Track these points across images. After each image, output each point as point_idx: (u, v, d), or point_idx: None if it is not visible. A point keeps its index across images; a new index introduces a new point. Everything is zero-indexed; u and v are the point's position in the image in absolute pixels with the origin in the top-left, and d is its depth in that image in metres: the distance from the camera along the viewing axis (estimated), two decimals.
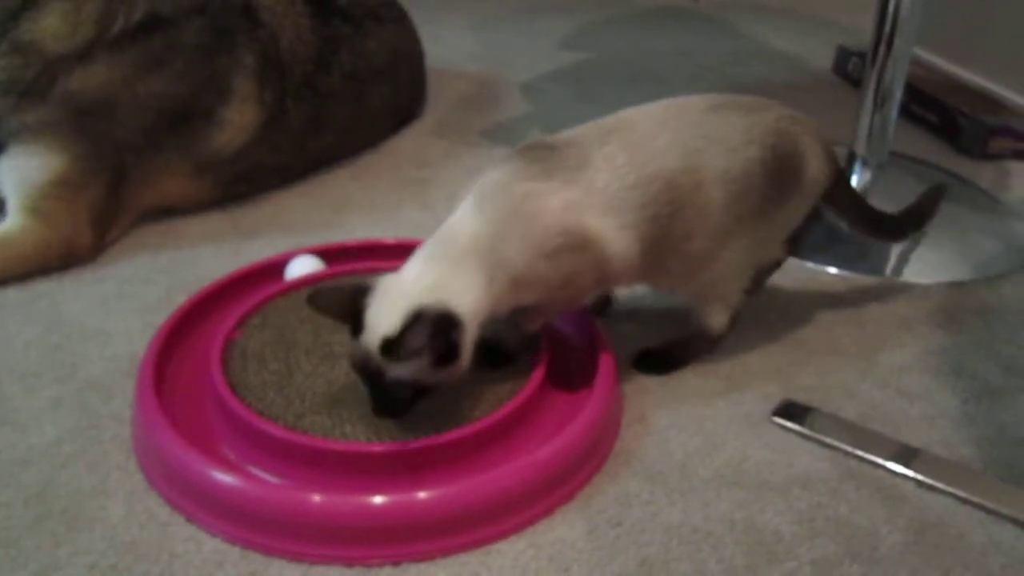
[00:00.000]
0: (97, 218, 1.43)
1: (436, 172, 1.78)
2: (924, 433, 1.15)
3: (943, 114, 1.89)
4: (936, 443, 1.13)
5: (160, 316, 1.26)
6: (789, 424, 1.15)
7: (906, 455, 1.10)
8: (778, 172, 1.15)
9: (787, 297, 1.42)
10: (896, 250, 1.57)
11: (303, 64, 1.60)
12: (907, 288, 1.47)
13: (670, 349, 1.26)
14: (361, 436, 1.04)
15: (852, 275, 1.50)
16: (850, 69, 2.09)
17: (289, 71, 1.58)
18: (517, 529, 1.00)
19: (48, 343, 1.27)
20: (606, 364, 1.15)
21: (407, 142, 1.89)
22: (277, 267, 1.35)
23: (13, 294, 1.37)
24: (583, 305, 1.22)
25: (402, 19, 1.86)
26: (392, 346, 0.96)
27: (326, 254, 1.37)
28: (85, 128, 1.38)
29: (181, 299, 1.27)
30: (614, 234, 1.08)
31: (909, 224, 1.38)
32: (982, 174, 1.87)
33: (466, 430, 1.04)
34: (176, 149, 1.49)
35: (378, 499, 0.96)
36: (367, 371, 1.00)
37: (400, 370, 0.99)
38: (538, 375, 1.13)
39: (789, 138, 1.17)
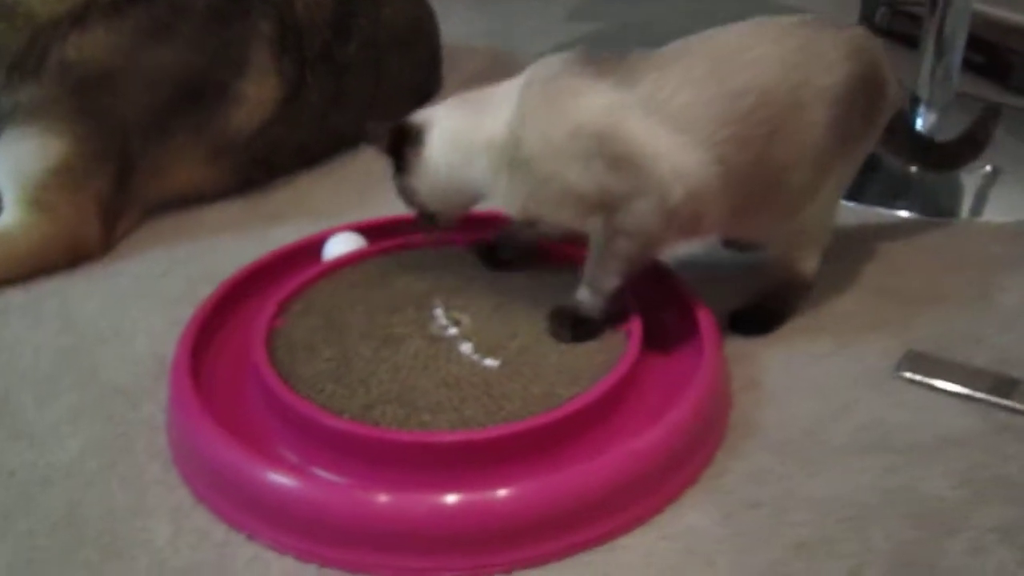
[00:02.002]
0: (105, 209, 1.22)
1: None
2: None
3: (992, 54, 1.74)
4: None
5: (185, 311, 1.06)
6: (919, 378, 0.97)
7: None
8: (871, 91, 0.99)
9: (867, 244, 1.24)
10: (970, 190, 1.40)
11: (321, 31, 1.39)
12: (992, 228, 1.30)
13: (763, 305, 1.08)
14: (444, 424, 0.85)
15: (927, 218, 1.32)
16: (877, 20, 1.94)
17: (307, 39, 1.37)
18: (640, 520, 0.81)
19: (61, 347, 1.07)
20: (708, 324, 0.97)
21: None
22: (313, 248, 1.16)
23: (16, 296, 1.16)
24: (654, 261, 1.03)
25: None
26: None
27: (366, 231, 1.17)
28: (86, 106, 1.18)
29: (206, 291, 1.07)
30: (681, 153, 0.90)
31: (967, 151, 1.22)
32: None
33: (571, 407, 0.86)
34: (189, 130, 1.28)
35: (499, 492, 0.78)
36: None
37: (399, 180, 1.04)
38: (634, 343, 0.94)
39: (875, 55, 1.00)
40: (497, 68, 1.92)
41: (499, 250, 1.09)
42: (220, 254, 1.24)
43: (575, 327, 0.96)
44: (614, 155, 0.90)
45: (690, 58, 0.94)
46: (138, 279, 1.20)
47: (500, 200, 1.00)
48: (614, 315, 0.98)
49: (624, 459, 0.81)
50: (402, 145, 1.02)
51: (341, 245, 1.14)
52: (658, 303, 1.03)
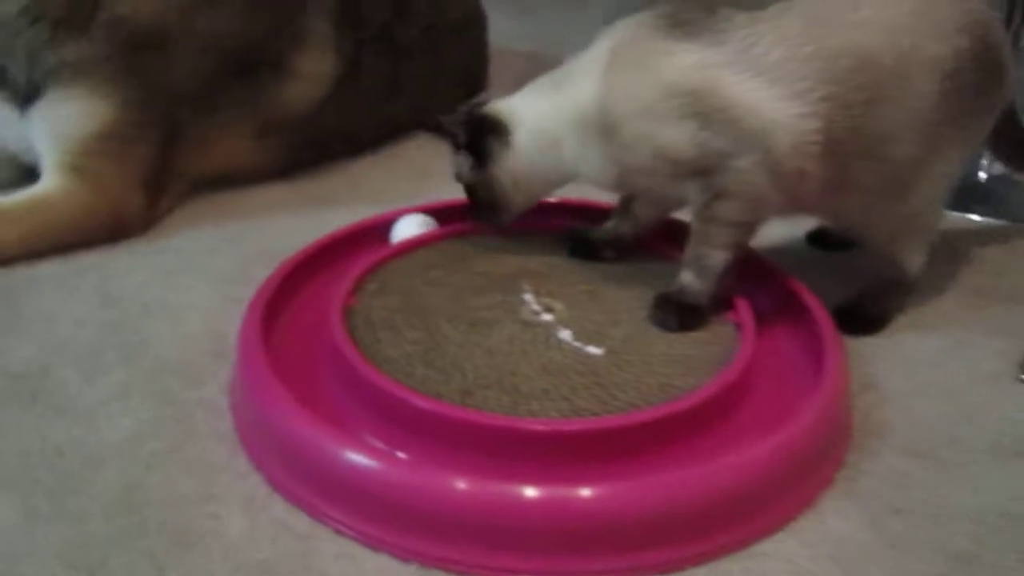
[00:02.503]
0: (149, 180, 1.12)
1: None
2: None
3: None
4: None
5: (240, 289, 0.97)
6: None
7: None
8: (986, 71, 0.91)
9: (953, 247, 1.15)
10: None
11: (381, 10, 1.30)
12: None
13: (867, 303, 0.99)
14: (554, 414, 0.75)
15: (1000, 222, 1.25)
16: None
17: (367, 16, 1.28)
18: (777, 525, 0.72)
19: (104, 321, 0.96)
20: (823, 316, 0.88)
21: None
22: (379, 229, 1.06)
23: (49, 268, 1.05)
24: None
25: None
26: (456, 143, 0.99)
27: (437, 213, 1.08)
28: (135, 68, 1.07)
29: (259, 271, 0.96)
30: (780, 103, 0.83)
31: None
32: None
33: (695, 398, 0.76)
34: (239, 104, 1.19)
35: (629, 487, 0.69)
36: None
37: (456, 164, 1.00)
38: (749, 333, 0.85)
39: (993, 33, 0.92)
40: (540, 70, 1.84)
41: (594, 241, 1.01)
42: (272, 234, 1.14)
43: (682, 315, 0.88)
44: (710, 111, 0.83)
45: (787, 17, 0.87)
46: (185, 255, 1.09)
47: (591, 173, 0.93)
48: (720, 304, 0.90)
49: (763, 456, 0.71)
50: (484, 137, 0.96)
51: (411, 226, 1.05)
52: (758, 295, 0.94)
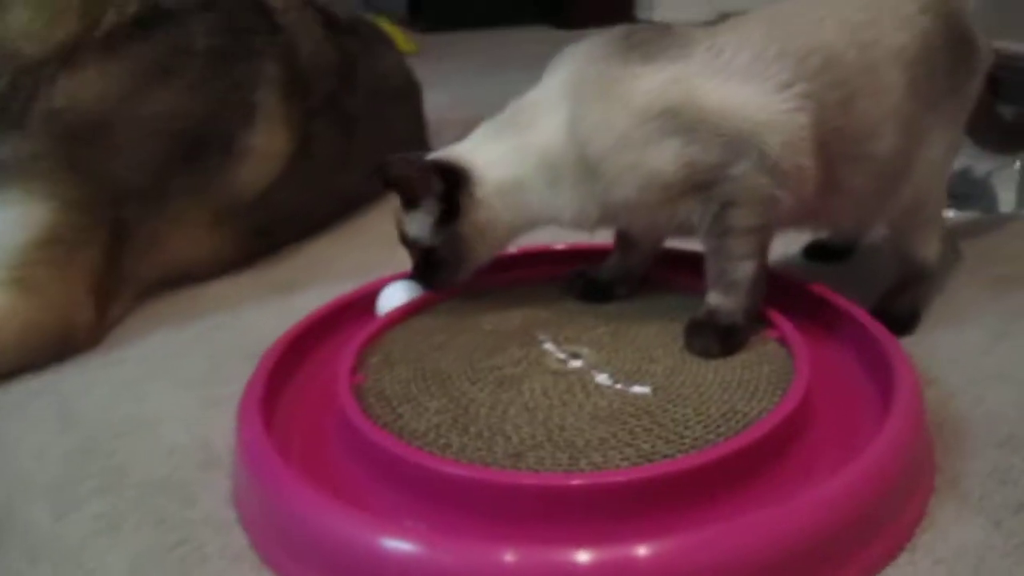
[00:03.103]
0: (98, 288, 0.98)
1: None
2: None
3: None
4: None
5: (217, 389, 0.86)
6: None
7: None
8: (956, 48, 0.87)
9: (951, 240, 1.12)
10: (1009, 186, 1.31)
11: (326, 80, 1.21)
12: None
13: (895, 302, 0.93)
14: (621, 463, 0.65)
15: (978, 215, 1.23)
16: None
17: (314, 86, 1.19)
18: (898, 546, 0.62)
19: (69, 447, 0.81)
20: (873, 323, 0.81)
21: None
22: (362, 303, 0.95)
23: None
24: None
25: (396, 49, 1.52)
26: (405, 200, 0.89)
27: None
28: (77, 163, 0.95)
29: (235, 368, 0.85)
30: (761, 99, 0.78)
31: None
32: None
33: (770, 421, 0.67)
34: (191, 192, 1.06)
35: (737, 525, 0.58)
36: (397, 223, 0.91)
37: (413, 224, 0.89)
38: (801, 348, 0.77)
39: (956, 6, 0.89)
40: None
41: (603, 281, 0.93)
42: (240, 328, 1.02)
43: (721, 338, 0.79)
44: (691, 125, 0.77)
45: (746, 25, 0.83)
46: (147, 363, 0.96)
47: (565, 216, 0.84)
48: (756, 322, 0.82)
49: (872, 472, 0.62)
50: (455, 188, 0.85)
51: (397, 294, 0.94)
52: (786, 309, 0.86)
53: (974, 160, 1.33)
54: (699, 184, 0.79)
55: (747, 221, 0.80)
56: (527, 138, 0.84)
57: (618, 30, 0.84)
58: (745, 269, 0.80)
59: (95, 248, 0.98)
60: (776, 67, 0.79)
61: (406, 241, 0.90)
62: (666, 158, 0.78)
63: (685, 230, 0.83)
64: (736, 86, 0.78)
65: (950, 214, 1.24)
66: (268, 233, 1.18)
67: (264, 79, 1.11)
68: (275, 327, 0.90)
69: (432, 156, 0.88)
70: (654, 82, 0.79)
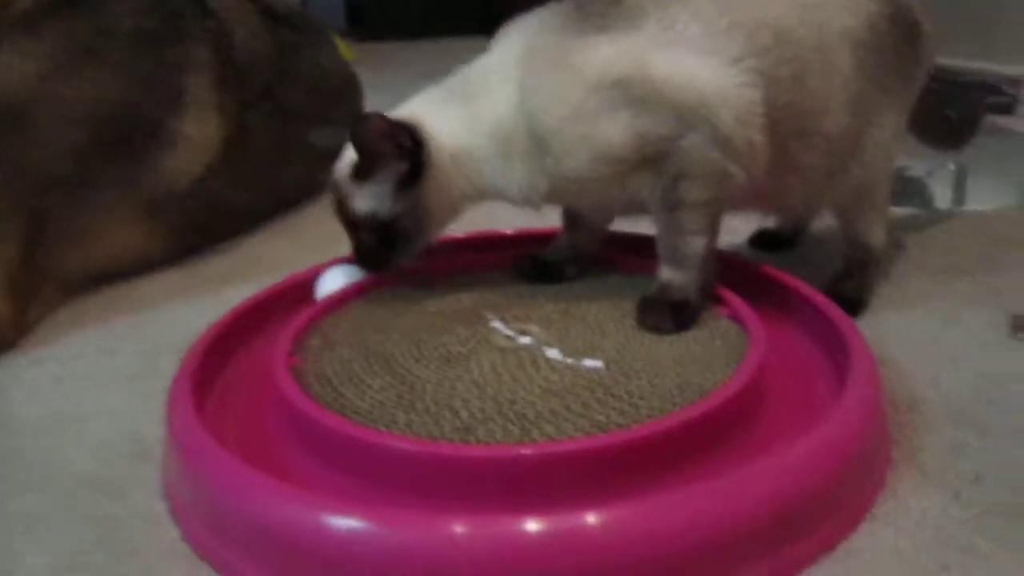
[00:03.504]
0: (16, 286, 0.92)
1: None
2: None
3: None
4: None
5: (148, 384, 0.81)
6: None
7: None
8: (903, 33, 0.88)
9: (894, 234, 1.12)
10: (944, 185, 1.34)
11: (262, 70, 1.17)
12: (985, 215, 1.22)
13: (842, 286, 0.93)
14: (575, 434, 0.62)
15: (918, 211, 1.24)
16: None
17: (248, 77, 1.14)
18: (860, 516, 0.60)
19: None
20: (826, 301, 0.80)
21: None
22: (302, 287, 0.91)
23: None
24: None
25: (336, 45, 1.48)
26: (357, 167, 0.83)
27: None
28: None
29: (167, 362, 0.80)
30: (712, 72, 0.76)
31: (967, 131, 1.15)
32: None
33: (731, 389, 0.65)
34: (119, 183, 1.00)
35: (712, 487, 0.56)
36: (338, 207, 0.86)
37: (367, 197, 0.83)
38: (754, 323, 0.76)
39: None
40: None
41: (552, 262, 0.90)
42: (171, 324, 0.96)
43: (674, 313, 0.77)
44: (642, 96, 0.75)
45: (697, 1, 0.80)
46: (72, 361, 0.89)
47: (512, 190, 0.81)
48: (706, 299, 0.80)
49: (833, 440, 0.60)
50: (419, 151, 0.81)
51: (338, 280, 0.90)
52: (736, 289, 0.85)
53: (912, 160, 1.35)
54: (650, 157, 0.77)
55: (699, 195, 0.78)
56: (477, 107, 0.81)
57: (568, 2, 0.82)
58: (696, 244, 0.79)
59: (12, 241, 0.91)
60: (727, 41, 0.77)
61: (354, 219, 0.84)
62: (617, 130, 0.76)
63: (635, 207, 0.81)
64: (688, 59, 0.77)
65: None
66: (202, 228, 1.13)
67: (194, 64, 1.06)
68: (208, 322, 0.84)
69: (376, 117, 0.82)
70: (607, 53, 0.77)
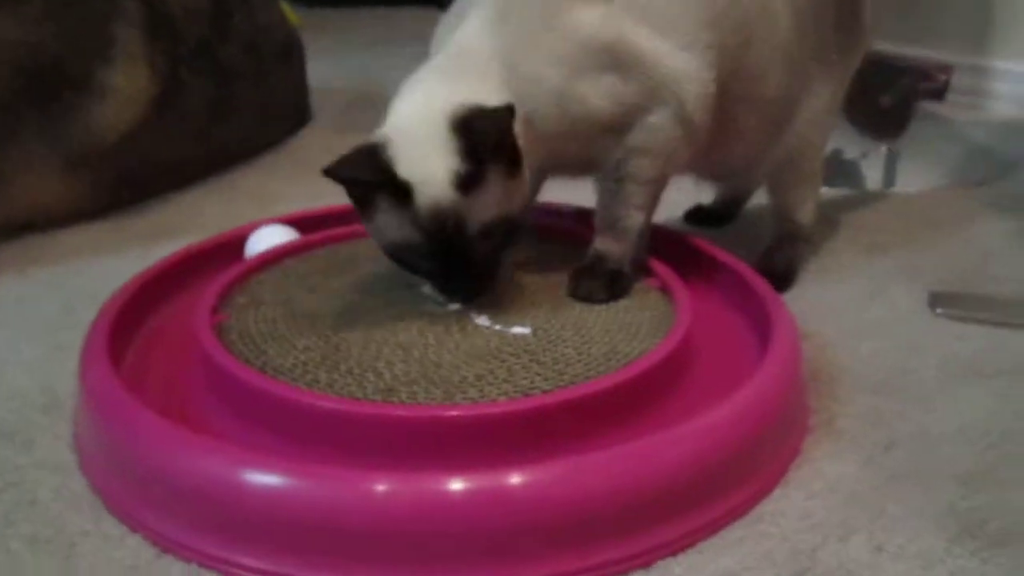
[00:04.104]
0: None
1: None
2: None
3: None
4: None
5: (65, 335, 0.78)
6: (958, 312, 0.86)
7: None
8: (843, 8, 0.89)
9: (826, 213, 1.14)
10: (876, 168, 1.36)
11: (197, 24, 1.13)
12: (912, 196, 1.24)
13: (772, 259, 0.94)
14: (497, 397, 0.62)
15: (850, 192, 1.26)
16: None
17: (181, 29, 1.10)
18: (775, 480, 0.62)
19: None
20: (752, 273, 0.81)
21: (312, 139, 1.43)
22: (232, 245, 0.89)
23: None
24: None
25: (278, 4, 1.43)
26: (467, 176, 0.68)
27: (298, 224, 0.92)
28: None
29: (87, 315, 0.76)
30: (677, 55, 0.76)
31: (901, 120, 1.17)
32: None
33: (655, 357, 0.65)
34: (41, 132, 0.97)
35: (634, 447, 0.57)
36: (443, 234, 0.69)
37: (483, 207, 0.69)
38: (682, 293, 0.76)
39: None
40: (367, 103, 1.71)
41: None
42: (94, 276, 0.93)
43: (609, 283, 0.77)
44: (626, 63, 0.75)
45: None
46: None
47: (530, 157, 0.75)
48: (638, 270, 0.80)
49: (748, 406, 0.61)
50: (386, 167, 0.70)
51: (271, 238, 0.88)
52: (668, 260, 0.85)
53: (845, 143, 1.37)
54: (618, 125, 0.76)
55: (648, 172, 0.78)
56: (492, 78, 0.74)
57: None
58: (636, 218, 0.79)
59: None
60: (688, 16, 0.77)
61: (469, 236, 0.69)
62: (600, 91, 0.75)
63: (585, 168, 0.81)
64: (656, 36, 0.76)
65: (823, 189, 1.27)
66: (131, 182, 1.09)
67: (123, 14, 1.02)
68: (131, 274, 0.82)
69: (450, 106, 0.70)
70: (592, 17, 0.75)
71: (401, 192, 0.69)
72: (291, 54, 1.40)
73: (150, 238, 1.04)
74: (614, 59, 0.75)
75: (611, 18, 0.75)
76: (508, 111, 0.68)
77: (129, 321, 0.75)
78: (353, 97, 1.73)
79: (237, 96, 1.20)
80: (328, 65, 1.98)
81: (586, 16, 0.75)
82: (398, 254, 0.72)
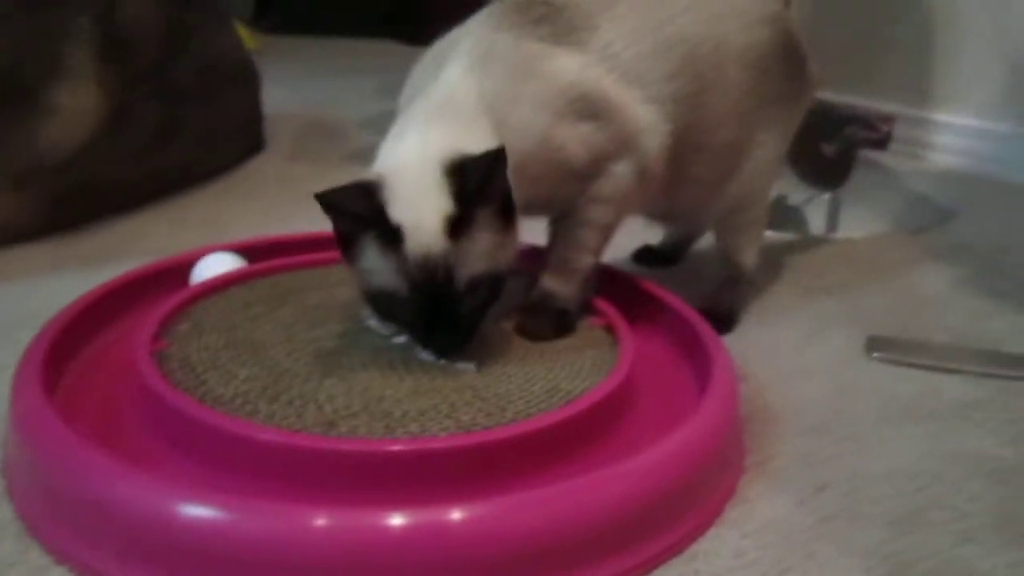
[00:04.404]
0: None
1: (317, 189, 1.32)
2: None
3: None
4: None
5: (4, 357, 0.75)
6: (894, 356, 0.89)
7: None
8: (789, 57, 0.92)
9: (769, 257, 1.17)
10: (819, 213, 1.39)
11: (151, 46, 1.12)
12: (854, 241, 1.28)
13: (716, 302, 0.95)
14: (438, 432, 0.62)
15: (791, 236, 1.29)
16: None
17: (133, 51, 1.09)
18: (709, 521, 0.62)
19: None
20: (694, 315, 0.82)
21: (264, 166, 1.43)
22: (177, 271, 0.88)
23: None
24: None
25: (235, 29, 1.43)
26: (458, 220, 0.67)
27: (245, 251, 0.92)
28: None
29: (24, 337, 0.75)
30: (641, 107, 0.79)
31: (842, 169, 1.21)
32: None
33: (596, 396, 0.66)
34: None
35: (560, 489, 0.57)
36: (431, 286, 0.67)
37: (474, 257, 0.68)
38: (626, 334, 0.77)
39: (791, 27, 0.94)
40: (321, 129, 1.73)
41: None
42: (36, 297, 0.92)
43: (556, 322, 0.78)
44: (601, 112, 0.77)
45: (618, 8, 0.81)
46: None
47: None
48: (584, 310, 0.81)
49: (684, 450, 0.62)
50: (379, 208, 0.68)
51: (217, 266, 0.88)
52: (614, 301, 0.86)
53: (790, 190, 1.41)
54: (590, 172, 0.78)
55: (604, 218, 0.80)
56: (463, 131, 0.72)
57: (508, 4, 0.79)
58: (587, 260, 0.81)
59: None
60: (652, 67, 0.80)
61: (458, 288, 0.68)
62: (578, 139, 0.76)
63: (546, 211, 0.81)
64: (626, 88, 0.79)
65: (768, 233, 1.31)
66: (76, 203, 1.07)
67: (73, 32, 1.01)
68: (72, 298, 0.81)
69: (443, 151, 0.69)
70: (570, 65, 0.77)
71: (390, 235, 0.67)
72: (245, 79, 1.40)
73: (93, 261, 1.02)
74: (590, 107, 0.77)
75: (588, 67, 0.78)
76: (500, 154, 0.67)
77: (67, 345, 0.74)
78: (307, 125, 1.74)
79: (187, 119, 1.20)
80: (285, 92, 1.99)
81: (565, 63, 0.77)
82: (380, 300, 0.70)
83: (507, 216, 0.70)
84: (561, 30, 0.79)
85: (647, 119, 0.79)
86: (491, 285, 0.70)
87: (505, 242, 0.70)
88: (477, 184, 0.67)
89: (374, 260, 0.68)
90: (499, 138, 0.71)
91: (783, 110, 0.94)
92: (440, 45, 0.81)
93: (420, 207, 0.67)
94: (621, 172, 0.78)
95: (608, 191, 0.78)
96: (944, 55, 1.89)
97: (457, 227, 0.67)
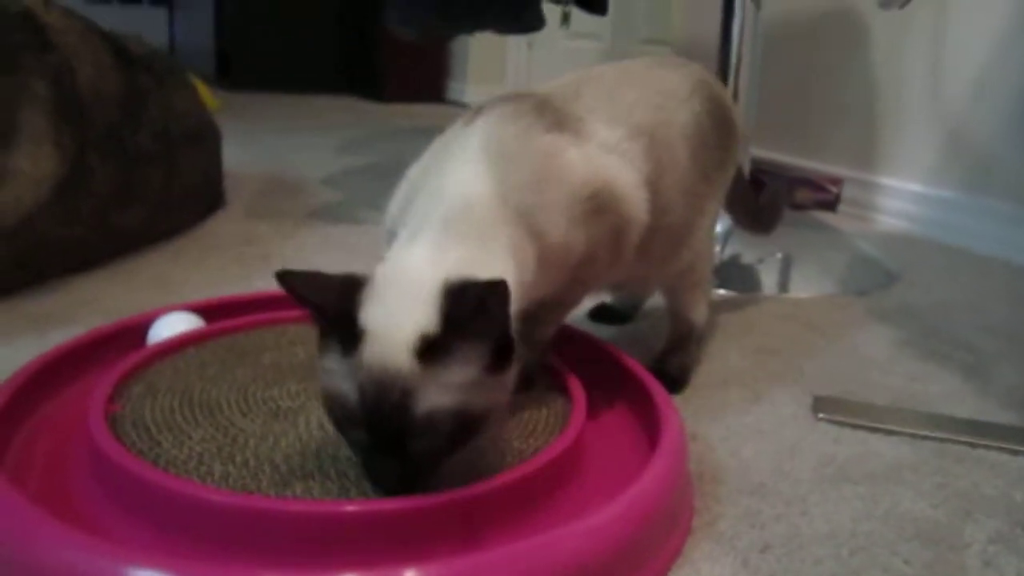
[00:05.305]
0: None
1: (277, 248, 1.35)
2: (960, 407, 0.97)
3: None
4: (974, 412, 0.96)
5: None
6: (839, 418, 0.92)
7: (968, 426, 0.92)
8: (721, 126, 0.96)
9: (721, 316, 1.21)
10: (771, 272, 1.46)
11: (108, 109, 1.14)
12: (803, 300, 1.34)
13: (666, 362, 0.99)
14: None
15: (744, 295, 1.34)
16: None
17: (91, 113, 1.11)
18: (663, 571, 0.65)
19: None
20: (647, 375, 0.85)
21: (223, 225, 1.45)
22: (133, 332, 0.89)
23: None
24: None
25: (195, 90, 1.46)
26: (434, 342, 0.59)
27: (202, 312, 0.93)
28: None
29: None
30: (635, 192, 0.82)
31: (775, 218, 1.26)
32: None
33: (549, 454, 0.68)
34: None
35: (505, 551, 0.59)
36: (381, 405, 0.59)
37: (442, 389, 0.59)
38: (579, 394, 0.80)
39: (717, 90, 0.99)
40: (282, 187, 1.76)
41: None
42: None
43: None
44: (608, 206, 0.78)
45: (585, 99, 0.84)
46: None
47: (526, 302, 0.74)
48: (541, 369, 0.84)
49: (637, 508, 0.64)
50: (350, 306, 0.62)
51: (173, 326, 0.89)
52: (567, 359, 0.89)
53: (743, 249, 1.46)
54: (580, 262, 0.78)
55: (579, 299, 0.85)
56: (479, 230, 0.69)
57: (505, 97, 0.81)
58: (549, 332, 0.84)
59: None
60: (634, 149, 0.83)
61: (416, 420, 0.59)
62: (583, 237, 0.77)
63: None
64: (625, 172, 0.81)
65: (720, 292, 1.35)
66: (29, 265, 1.08)
67: (30, 97, 1.03)
68: (23, 360, 0.82)
69: (457, 274, 0.62)
70: (576, 157, 0.78)
71: (352, 338, 0.60)
72: (205, 140, 1.42)
73: (45, 322, 1.03)
74: (600, 205, 0.78)
75: (590, 159, 0.79)
76: (501, 287, 0.59)
77: (18, 408, 0.74)
78: (268, 182, 1.76)
79: (146, 181, 1.21)
80: (244, 149, 2.02)
81: (571, 159, 0.77)
82: (333, 405, 0.62)
83: (501, 356, 0.62)
84: (562, 118, 0.80)
85: (639, 205, 0.82)
86: (458, 426, 0.60)
87: (489, 384, 0.62)
88: (468, 312, 0.60)
89: (332, 362, 0.61)
90: (517, 252, 0.70)
91: (722, 175, 0.99)
92: (438, 146, 0.79)
93: (398, 316, 0.60)
94: (608, 258, 0.81)
95: (589, 274, 0.81)
96: (889, 122, 1.98)
97: (431, 350, 0.59)
